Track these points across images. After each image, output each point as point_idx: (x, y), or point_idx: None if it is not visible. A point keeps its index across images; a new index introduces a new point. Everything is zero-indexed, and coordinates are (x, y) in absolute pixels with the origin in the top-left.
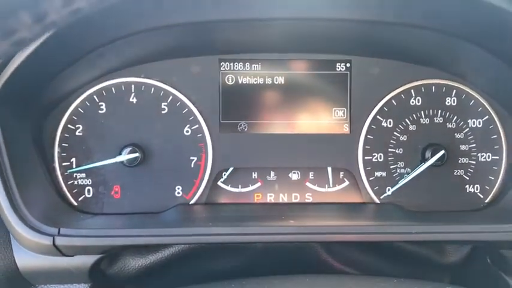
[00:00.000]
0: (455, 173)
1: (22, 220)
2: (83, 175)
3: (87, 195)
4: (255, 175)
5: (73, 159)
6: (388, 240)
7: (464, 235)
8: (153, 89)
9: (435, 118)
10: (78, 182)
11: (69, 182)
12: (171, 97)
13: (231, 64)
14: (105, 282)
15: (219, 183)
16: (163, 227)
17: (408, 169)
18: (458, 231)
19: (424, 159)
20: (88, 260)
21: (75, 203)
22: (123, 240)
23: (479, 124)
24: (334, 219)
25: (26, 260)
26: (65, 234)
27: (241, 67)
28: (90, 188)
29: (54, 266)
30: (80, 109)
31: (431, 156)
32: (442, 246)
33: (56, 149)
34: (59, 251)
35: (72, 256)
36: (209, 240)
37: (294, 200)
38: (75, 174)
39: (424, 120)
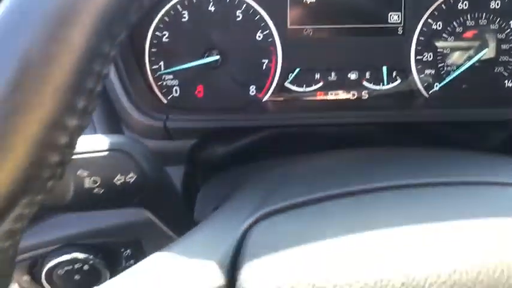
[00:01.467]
0: (495, 70)
1: (136, 107)
2: (171, 76)
3: (175, 94)
4: (317, 76)
5: (161, 63)
6: (436, 120)
7: (505, 115)
8: None
9: (480, 20)
10: (166, 83)
11: (158, 83)
12: (244, 5)
13: None
14: (198, 166)
15: (286, 84)
16: (252, 113)
17: (454, 67)
18: (500, 113)
19: (468, 58)
20: (185, 144)
21: (165, 101)
22: (225, 123)
23: None
24: (389, 109)
25: None
26: (174, 118)
27: None
28: (177, 87)
29: (157, 149)
30: (165, 18)
31: (475, 55)
32: (483, 131)
33: (147, 54)
34: (168, 133)
35: (179, 140)
36: (292, 122)
37: (352, 98)
38: (163, 76)
39: (470, 23)
